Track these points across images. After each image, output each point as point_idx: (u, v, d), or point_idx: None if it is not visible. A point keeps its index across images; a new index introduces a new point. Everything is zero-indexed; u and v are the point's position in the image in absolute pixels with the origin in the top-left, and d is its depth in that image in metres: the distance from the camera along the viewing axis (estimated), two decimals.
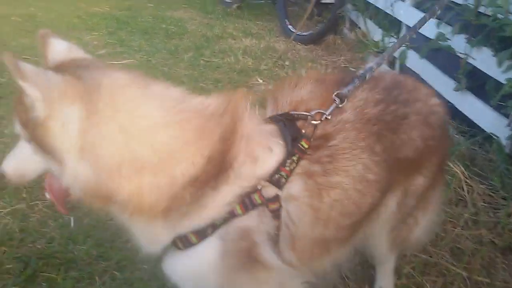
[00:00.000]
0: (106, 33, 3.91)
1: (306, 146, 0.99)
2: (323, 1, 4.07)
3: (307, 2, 4.48)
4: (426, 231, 1.31)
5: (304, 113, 1.03)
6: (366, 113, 1.06)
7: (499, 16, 1.94)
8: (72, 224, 1.74)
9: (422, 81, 2.62)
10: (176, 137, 0.91)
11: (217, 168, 0.91)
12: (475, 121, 2.25)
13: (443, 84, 2.49)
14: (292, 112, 1.05)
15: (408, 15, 2.92)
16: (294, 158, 0.97)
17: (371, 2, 3.43)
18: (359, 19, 3.66)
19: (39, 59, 2.80)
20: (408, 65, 2.77)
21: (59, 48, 1.04)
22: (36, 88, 0.85)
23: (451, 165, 2.08)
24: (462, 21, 2.22)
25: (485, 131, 2.16)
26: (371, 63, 1.24)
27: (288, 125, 1.02)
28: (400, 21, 3.02)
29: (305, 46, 3.88)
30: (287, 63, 3.45)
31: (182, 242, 0.96)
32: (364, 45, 3.51)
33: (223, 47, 3.77)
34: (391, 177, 1.09)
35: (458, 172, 2.05)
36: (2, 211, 1.78)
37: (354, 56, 3.59)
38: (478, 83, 2.24)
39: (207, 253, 0.96)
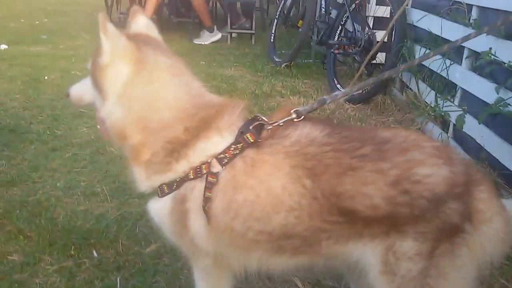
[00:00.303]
0: None
1: (251, 139, 1.18)
2: (374, 62, 4.06)
3: (356, 61, 4.51)
4: None
5: (264, 118, 1.26)
6: (306, 149, 1.17)
7: None
8: (118, 285, 1.71)
9: (480, 148, 2.52)
10: (176, 116, 1.22)
11: (187, 139, 1.20)
12: None
13: (503, 151, 2.37)
14: (258, 115, 1.28)
15: (465, 78, 2.85)
16: (239, 145, 1.19)
17: (424, 63, 3.39)
18: (411, 80, 3.61)
19: (93, 112, 2.88)
20: (465, 130, 2.66)
21: (141, 23, 1.39)
22: (109, 43, 1.17)
23: None
24: None
25: None
26: (337, 92, 1.53)
27: (249, 123, 1.23)
28: (456, 84, 2.95)
29: (354, 105, 3.85)
30: (335, 121, 3.41)
31: (159, 191, 1.24)
32: (415, 106, 3.45)
33: (272, 105, 3.80)
34: (336, 220, 1.15)
35: None
36: (50, 268, 1.78)
37: (404, 117, 3.52)
38: None
39: (164, 205, 1.24)
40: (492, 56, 2.41)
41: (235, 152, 1.18)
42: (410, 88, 3.67)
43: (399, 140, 1.18)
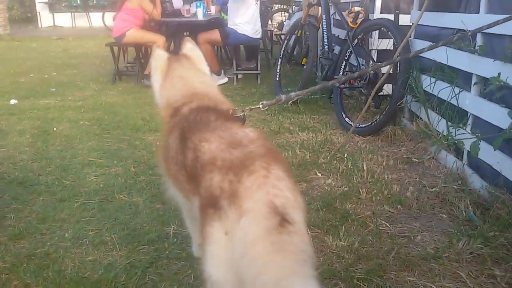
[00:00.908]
0: None
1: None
2: (380, 94, 4.04)
3: (362, 94, 4.50)
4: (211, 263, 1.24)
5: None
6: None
7: None
8: None
9: (497, 173, 2.45)
10: (174, 101, 1.76)
11: (179, 108, 1.69)
12: None
13: None
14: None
15: (475, 105, 2.80)
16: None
17: (432, 92, 3.35)
18: (420, 109, 3.57)
19: (103, 160, 2.89)
20: (480, 156, 2.59)
21: (187, 47, 2.03)
22: (154, 61, 1.91)
23: None
24: None
25: None
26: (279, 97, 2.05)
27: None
28: (466, 111, 2.90)
29: (364, 138, 3.80)
30: (345, 155, 3.36)
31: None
32: (426, 135, 3.39)
33: (281, 142, 3.77)
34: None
35: None
36: None
37: (416, 147, 3.46)
38: None
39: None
40: (502, 82, 2.36)
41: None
42: (420, 118, 3.62)
43: (213, 127, 1.49)
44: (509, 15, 2.03)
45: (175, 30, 7.25)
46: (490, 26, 2.08)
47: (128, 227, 2.40)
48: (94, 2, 18.46)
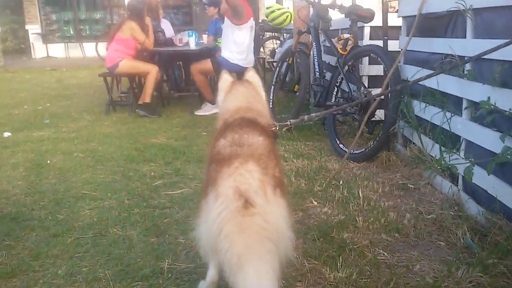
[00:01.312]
0: (163, 164, 4.02)
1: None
2: (373, 119, 4.07)
3: (356, 120, 4.52)
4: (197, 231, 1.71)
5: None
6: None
7: None
8: None
9: (492, 198, 2.44)
10: (231, 113, 1.97)
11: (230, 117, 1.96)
12: None
13: None
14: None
15: (467, 129, 2.82)
16: None
17: (424, 117, 3.37)
18: (413, 134, 3.58)
19: (97, 193, 2.85)
20: (475, 181, 2.59)
21: (248, 75, 2.29)
22: (220, 83, 2.21)
23: None
24: None
25: None
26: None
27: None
28: (459, 136, 2.91)
29: (359, 164, 3.81)
30: (341, 182, 3.35)
31: None
32: (421, 161, 3.39)
33: None
34: None
35: None
36: None
37: (411, 172, 3.46)
38: None
39: None
40: (492, 106, 2.38)
41: None
42: (414, 143, 3.63)
43: (236, 129, 1.79)
44: (509, 40, 2.05)
45: (168, 59, 7.31)
46: (492, 50, 2.10)
47: (122, 263, 2.36)
48: (88, 32, 18.66)
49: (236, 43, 6.07)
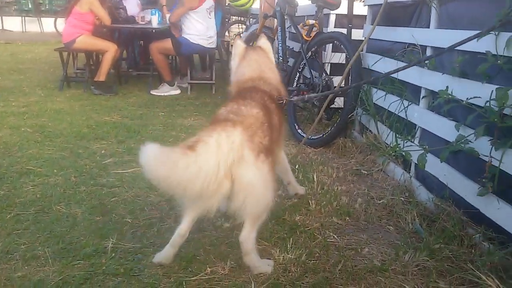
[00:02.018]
0: (115, 142, 3.88)
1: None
2: (332, 106, 4.06)
3: (315, 106, 4.50)
4: None
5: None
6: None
7: None
8: None
9: (443, 186, 2.47)
10: (244, 80, 2.31)
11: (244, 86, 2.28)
12: (505, 227, 2.03)
13: (466, 188, 2.31)
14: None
15: (423, 118, 2.83)
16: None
17: (382, 106, 3.38)
18: (370, 122, 3.59)
19: (42, 169, 2.70)
20: (427, 169, 2.60)
21: (261, 41, 2.52)
22: (235, 49, 2.44)
23: (484, 278, 1.85)
24: (486, 123, 2.09)
25: None
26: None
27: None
28: (415, 124, 2.92)
29: (315, 150, 3.79)
30: (297, 166, 3.32)
31: None
32: (376, 148, 3.41)
33: None
34: None
35: (493, 285, 1.82)
36: None
37: (365, 159, 3.47)
38: (506, 187, 2.06)
39: None
40: (450, 95, 2.39)
41: None
42: (370, 130, 3.64)
43: (240, 101, 2.05)
44: (479, 31, 2.05)
45: (129, 37, 7.08)
46: (463, 42, 2.09)
47: (64, 241, 2.24)
48: (47, 7, 17.89)
49: (195, 26, 5.97)
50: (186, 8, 5.89)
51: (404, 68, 2.47)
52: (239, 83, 2.31)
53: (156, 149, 1.65)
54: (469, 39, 2.10)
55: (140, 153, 1.63)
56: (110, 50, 5.94)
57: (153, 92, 6.13)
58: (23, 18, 17.01)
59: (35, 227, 2.39)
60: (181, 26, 6.08)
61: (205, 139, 1.71)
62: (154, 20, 6.38)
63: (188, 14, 5.93)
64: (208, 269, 2.03)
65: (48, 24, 16.17)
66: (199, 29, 5.99)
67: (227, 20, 9.33)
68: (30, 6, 17.57)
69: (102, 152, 3.60)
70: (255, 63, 2.37)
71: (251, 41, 5.44)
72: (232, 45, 9.18)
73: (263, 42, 2.54)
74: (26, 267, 2.04)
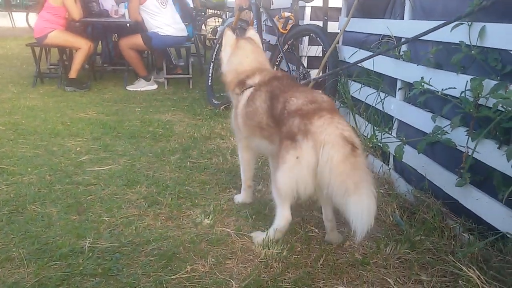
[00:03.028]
0: (90, 139, 3.80)
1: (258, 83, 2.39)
2: None
3: None
4: (284, 176, 2.00)
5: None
6: (271, 89, 2.26)
7: (502, 108, 1.85)
8: None
9: (422, 177, 2.49)
10: (243, 70, 2.45)
11: (245, 79, 2.41)
12: (483, 218, 2.06)
13: (444, 179, 2.33)
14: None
15: (400, 109, 2.85)
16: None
17: (360, 98, 3.39)
18: (348, 114, 3.60)
19: (16, 168, 2.62)
20: (405, 160, 2.62)
21: (250, 33, 2.65)
22: (225, 39, 2.53)
23: (465, 269, 1.87)
24: (461, 114, 2.11)
25: (496, 228, 1.97)
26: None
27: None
28: (392, 116, 2.94)
29: None
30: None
31: (233, 98, 2.53)
32: None
33: (211, 147, 3.66)
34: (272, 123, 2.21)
35: (474, 276, 1.83)
36: None
37: None
38: (483, 177, 2.09)
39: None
40: (425, 85, 2.40)
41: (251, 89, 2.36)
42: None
43: (298, 89, 2.19)
44: (444, 21, 2.05)
45: (102, 31, 6.95)
46: (429, 31, 2.09)
47: (39, 241, 2.18)
48: (18, 1, 17.47)
49: (154, 19, 5.90)
50: (135, 1, 5.82)
51: (369, 57, 2.48)
52: (238, 73, 2.44)
53: None
54: (436, 28, 2.10)
55: None
56: (83, 48, 5.81)
57: (129, 87, 6.04)
58: None
59: (9, 227, 2.32)
60: (145, 23, 5.98)
61: (330, 139, 1.87)
62: (127, 13, 6.27)
63: (142, 10, 5.87)
64: (188, 267, 2.00)
65: (19, 19, 15.79)
66: (160, 21, 5.91)
67: (203, 13, 9.24)
68: (0, 0, 17.12)
69: (77, 149, 3.53)
70: (252, 54, 2.50)
71: None
72: (208, 39, 9.14)
73: (253, 33, 2.65)
74: (0, 269, 1.97)
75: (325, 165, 1.85)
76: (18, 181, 2.89)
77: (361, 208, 1.80)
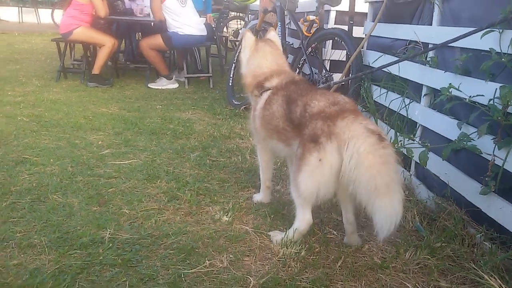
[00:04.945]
0: (112, 133, 3.84)
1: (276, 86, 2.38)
2: None
3: None
4: (305, 178, 1.97)
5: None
6: (288, 93, 2.26)
7: None
8: None
9: (444, 185, 2.45)
10: (262, 72, 2.45)
11: (264, 81, 2.41)
12: (506, 227, 2.02)
13: (468, 187, 2.30)
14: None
15: (424, 116, 2.82)
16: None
17: (383, 103, 3.36)
18: (371, 119, 3.56)
19: (39, 158, 2.67)
20: (428, 167, 2.59)
21: (270, 34, 2.66)
22: (245, 41, 2.54)
23: (486, 277, 1.83)
24: (489, 122, 2.08)
25: None
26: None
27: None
28: (416, 122, 2.91)
29: None
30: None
31: (252, 100, 2.53)
32: None
33: (230, 147, 3.67)
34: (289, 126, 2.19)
35: (496, 285, 1.80)
36: None
37: None
38: (508, 186, 2.05)
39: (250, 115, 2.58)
40: (453, 92, 2.37)
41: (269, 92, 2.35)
42: None
43: (317, 92, 2.17)
44: (475, 28, 2.03)
45: (126, 30, 7.03)
46: (459, 38, 2.08)
47: (60, 230, 2.21)
48: None
49: (174, 19, 5.94)
50: (157, 1, 5.86)
51: (395, 62, 2.48)
52: (256, 75, 2.45)
53: None
54: (467, 35, 2.09)
55: None
56: (107, 44, 5.88)
57: (151, 85, 6.09)
58: (20, 8, 16.89)
59: (31, 215, 2.35)
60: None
61: (354, 134, 1.84)
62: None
63: (163, 10, 5.91)
64: (207, 261, 2.00)
65: (45, 15, 16.07)
66: (180, 21, 5.94)
67: (225, 15, 9.29)
68: None
69: (99, 143, 3.57)
70: (271, 55, 2.50)
71: None
72: (230, 41, 9.18)
73: (273, 35, 2.66)
74: (22, 255, 2.01)
75: (351, 159, 1.79)
76: (40, 171, 2.94)
77: (390, 214, 1.75)
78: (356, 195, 1.82)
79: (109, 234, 2.19)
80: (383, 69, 3.26)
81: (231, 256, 2.06)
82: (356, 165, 1.78)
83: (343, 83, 3.88)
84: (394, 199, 1.76)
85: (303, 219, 2.10)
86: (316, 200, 2.00)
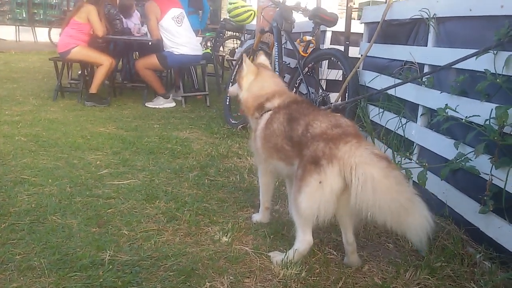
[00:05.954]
0: (110, 153, 3.85)
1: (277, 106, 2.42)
2: None
3: None
4: (306, 200, 2.00)
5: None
6: (289, 112, 2.31)
7: None
8: None
9: (442, 203, 2.47)
10: (263, 95, 2.47)
11: (264, 103, 2.44)
12: (506, 246, 2.04)
13: (466, 207, 2.32)
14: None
15: (421, 135, 2.85)
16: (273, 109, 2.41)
17: (380, 123, 3.40)
18: (367, 139, 3.60)
19: (37, 179, 2.67)
20: (426, 187, 2.61)
21: (261, 59, 2.75)
22: (246, 66, 2.52)
23: None
24: (486, 141, 2.11)
25: None
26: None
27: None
28: (412, 142, 2.94)
29: None
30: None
31: (252, 122, 2.58)
32: None
33: (228, 166, 3.68)
34: (289, 145, 2.22)
35: None
36: None
37: None
38: (507, 205, 2.07)
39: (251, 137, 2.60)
40: (449, 112, 2.41)
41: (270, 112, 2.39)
42: None
43: (320, 113, 2.22)
44: (477, 50, 2.07)
45: (124, 49, 7.08)
46: (459, 61, 2.12)
47: (60, 252, 2.20)
48: (41, 16, 17.89)
49: (169, 39, 6.00)
50: (153, 19, 5.95)
51: (400, 84, 2.52)
52: (258, 96, 2.50)
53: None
54: (467, 57, 2.14)
55: None
56: (104, 63, 5.93)
57: (148, 104, 6.12)
58: (17, 27, 16.97)
59: (30, 237, 2.34)
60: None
61: (361, 160, 1.87)
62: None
63: (160, 26, 5.97)
64: (207, 283, 2.00)
65: (42, 34, 16.16)
66: (175, 41, 6.00)
67: (221, 35, 9.38)
68: (24, 15, 17.58)
69: (97, 163, 3.57)
70: (271, 78, 2.59)
71: (247, 55, 5.46)
72: (226, 60, 9.25)
73: (263, 59, 2.77)
74: (21, 278, 1.99)
75: (365, 185, 1.81)
76: (39, 191, 2.93)
77: (423, 224, 1.81)
78: (377, 217, 1.86)
79: (108, 255, 2.18)
80: (378, 88, 3.32)
81: (231, 277, 2.06)
82: (373, 190, 1.80)
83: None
84: (422, 209, 1.83)
85: (303, 240, 2.11)
86: (316, 221, 2.01)
